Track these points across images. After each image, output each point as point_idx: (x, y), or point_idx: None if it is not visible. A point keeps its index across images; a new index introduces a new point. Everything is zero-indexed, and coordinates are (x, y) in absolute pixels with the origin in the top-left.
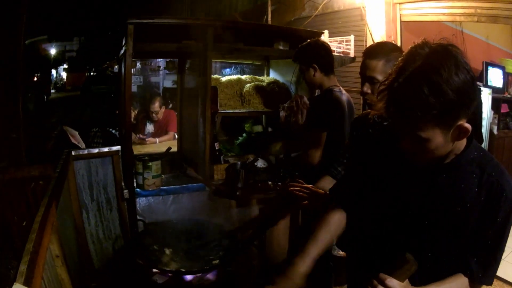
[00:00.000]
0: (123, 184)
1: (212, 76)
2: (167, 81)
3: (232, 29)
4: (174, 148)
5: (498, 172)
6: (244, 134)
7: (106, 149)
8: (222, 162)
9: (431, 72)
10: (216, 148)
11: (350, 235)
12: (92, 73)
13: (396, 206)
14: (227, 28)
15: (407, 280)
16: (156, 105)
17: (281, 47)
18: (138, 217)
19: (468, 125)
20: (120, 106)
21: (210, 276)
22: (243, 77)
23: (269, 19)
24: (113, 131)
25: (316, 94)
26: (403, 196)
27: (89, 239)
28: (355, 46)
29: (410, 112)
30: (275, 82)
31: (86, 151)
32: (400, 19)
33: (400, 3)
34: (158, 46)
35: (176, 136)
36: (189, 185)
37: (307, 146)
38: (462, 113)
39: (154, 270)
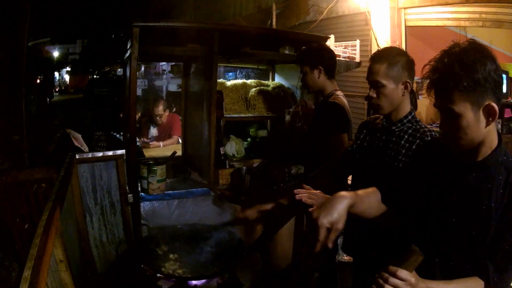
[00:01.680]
0: (127, 188)
1: (217, 80)
2: (172, 85)
3: (239, 33)
4: (179, 152)
5: None
6: (249, 139)
7: (110, 153)
8: (227, 167)
9: (463, 55)
10: (221, 152)
11: (358, 240)
12: (95, 76)
13: (428, 204)
14: (234, 32)
15: (414, 271)
16: (160, 108)
17: (287, 52)
18: (142, 222)
19: (495, 106)
20: (124, 110)
21: (215, 281)
22: (248, 81)
23: (274, 23)
24: (117, 135)
25: (320, 99)
26: (436, 195)
27: (93, 243)
28: (360, 51)
29: (444, 85)
30: (280, 87)
31: (90, 155)
32: (405, 24)
33: (405, 8)
34: (164, 50)
35: (180, 140)
36: (194, 189)
37: (331, 153)
38: (489, 93)
39: (159, 275)
